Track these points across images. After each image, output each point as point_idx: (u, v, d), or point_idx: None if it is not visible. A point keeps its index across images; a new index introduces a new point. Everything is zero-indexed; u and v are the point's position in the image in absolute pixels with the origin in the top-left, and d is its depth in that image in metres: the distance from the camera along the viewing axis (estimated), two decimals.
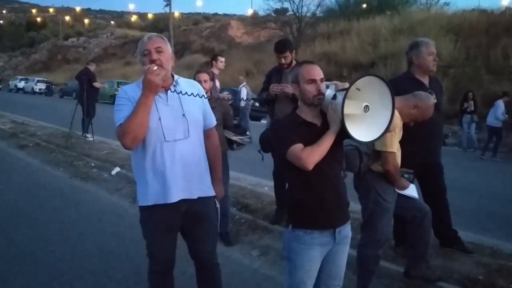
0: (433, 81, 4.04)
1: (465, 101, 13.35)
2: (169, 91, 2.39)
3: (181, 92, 2.39)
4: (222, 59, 6.64)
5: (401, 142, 3.10)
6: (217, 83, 6.38)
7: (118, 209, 5.53)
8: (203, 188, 2.49)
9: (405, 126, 3.21)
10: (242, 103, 11.85)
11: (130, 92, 2.35)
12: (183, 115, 2.39)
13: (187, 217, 2.44)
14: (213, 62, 6.60)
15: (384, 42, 24.13)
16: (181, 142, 2.37)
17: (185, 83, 2.51)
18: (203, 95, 2.55)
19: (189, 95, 2.40)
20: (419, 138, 3.64)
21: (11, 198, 5.82)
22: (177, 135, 2.36)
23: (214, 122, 2.67)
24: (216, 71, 6.47)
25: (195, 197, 2.43)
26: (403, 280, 3.51)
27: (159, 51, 2.33)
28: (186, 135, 2.39)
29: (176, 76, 2.50)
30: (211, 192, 2.55)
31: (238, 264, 3.90)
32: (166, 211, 2.37)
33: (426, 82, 3.94)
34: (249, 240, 4.49)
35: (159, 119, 2.32)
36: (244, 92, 12.79)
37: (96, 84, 11.24)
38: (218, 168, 2.71)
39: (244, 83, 13.46)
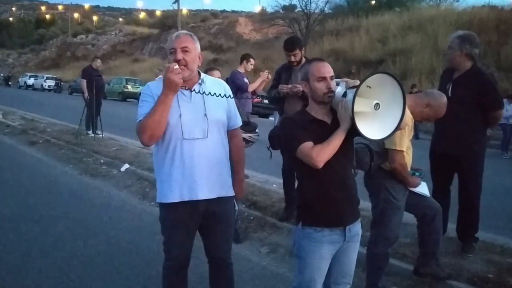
0: (466, 75, 3.87)
1: None
2: (193, 91, 2.37)
3: (204, 92, 2.36)
4: (253, 62, 6.60)
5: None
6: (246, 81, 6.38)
7: (127, 206, 5.57)
8: (223, 188, 2.48)
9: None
10: None
11: (154, 88, 2.35)
12: (205, 114, 2.36)
13: (206, 217, 2.44)
14: (244, 61, 6.53)
15: (393, 38, 24.03)
16: (199, 142, 2.35)
17: (211, 83, 2.49)
18: (229, 95, 2.51)
19: (212, 95, 2.37)
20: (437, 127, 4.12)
21: (21, 194, 5.86)
22: (196, 134, 2.34)
23: (239, 123, 2.64)
24: (241, 70, 6.46)
25: (213, 196, 2.42)
26: (412, 277, 3.50)
27: (185, 50, 2.31)
28: (204, 135, 2.36)
29: (202, 75, 2.47)
30: (231, 192, 2.54)
31: (247, 261, 3.90)
32: (185, 210, 2.38)
33: (456, 75, 3.91)
34: (258, 237, 4.50)
35: (180, 116, 2.31)
36: None
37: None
38: (241, 169, 2.69)
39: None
